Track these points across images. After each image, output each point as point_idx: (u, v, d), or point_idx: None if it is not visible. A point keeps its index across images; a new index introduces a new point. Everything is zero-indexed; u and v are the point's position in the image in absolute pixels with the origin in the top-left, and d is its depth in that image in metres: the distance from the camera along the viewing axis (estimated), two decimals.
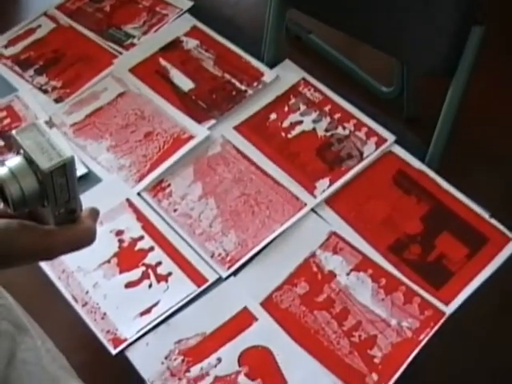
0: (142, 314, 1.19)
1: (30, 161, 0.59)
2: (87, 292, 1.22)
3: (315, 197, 1.31)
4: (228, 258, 1.24)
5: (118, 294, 1.22)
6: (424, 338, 1.13)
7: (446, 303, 1.17)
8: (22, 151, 0.60)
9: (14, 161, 0.60)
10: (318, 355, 1.13)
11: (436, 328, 1.14)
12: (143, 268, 1.24)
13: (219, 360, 1.13)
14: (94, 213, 0.67)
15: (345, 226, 1.27)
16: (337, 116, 1.44)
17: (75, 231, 0.63)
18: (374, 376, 1.09)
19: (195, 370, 1.12)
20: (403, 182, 1.32)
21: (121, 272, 1.24)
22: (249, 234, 1.26)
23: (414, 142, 1.41)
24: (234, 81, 1.52)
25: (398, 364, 1.10)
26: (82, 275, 1.24)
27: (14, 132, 0.60)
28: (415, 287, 1.19)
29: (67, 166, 0.59)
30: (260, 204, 1.30)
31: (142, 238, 1.28)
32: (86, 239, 0.64)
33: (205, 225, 1.29)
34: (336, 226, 1.27)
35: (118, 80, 1.56)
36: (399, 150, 1.38)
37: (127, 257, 1.26)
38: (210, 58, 1.58)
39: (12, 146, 0.61)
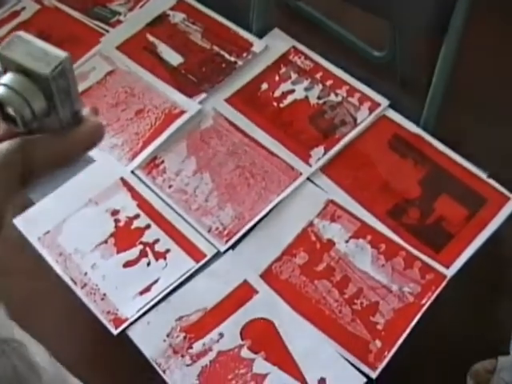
0: (142, 292, 1.18)
1: (26, 73, 0.56)
2: (86, 273, 1.21)
3: (310, 165, 1.30)
4: (225, 232, 1.23)
5: (116, 273, 1.21)
6: (426, 303, 1.12)
7: (447, 266, 1.16)
8: (12, 67, 0.57)
9: (7, 78, 0.57)
10: (320, 325, 1.12)
11: (438, 292, 1.13)
12: (141, 246, 1.23)
13: (221, 335, 1.12)
14: (94, 110, 0.65)
15: (342, 194, 1.26)
16: (329, 83, 1.42)
17: (86, 129, 0.62)
18: (378, 343, 1.09)
19: (197, 346, 1.12)
20: (399, 146, 1.30)
21: (118, 252, 1.23)
22: (245, 207, 1.25)
23: (408, 105, 1.40)
24: (223, 53, 1.50)
25: (401, 329, 1.10)
26: (79, 257, 1.24)
27: None
28: (415, 252, 1.18)
29: (66, 66, 0.57)
30: (255, 176, 1.29)
31: (137, 216, 1.27)
32: (97, 134, 0.63)
33: (200, 200, 1.27)
34: (333, 193, 1.26)
35: (105, 58, 1.54)
36: (393, 114, 1.36)
37: (124, 236, 1.25)
38: (198, 31, 1.56)
39: None
